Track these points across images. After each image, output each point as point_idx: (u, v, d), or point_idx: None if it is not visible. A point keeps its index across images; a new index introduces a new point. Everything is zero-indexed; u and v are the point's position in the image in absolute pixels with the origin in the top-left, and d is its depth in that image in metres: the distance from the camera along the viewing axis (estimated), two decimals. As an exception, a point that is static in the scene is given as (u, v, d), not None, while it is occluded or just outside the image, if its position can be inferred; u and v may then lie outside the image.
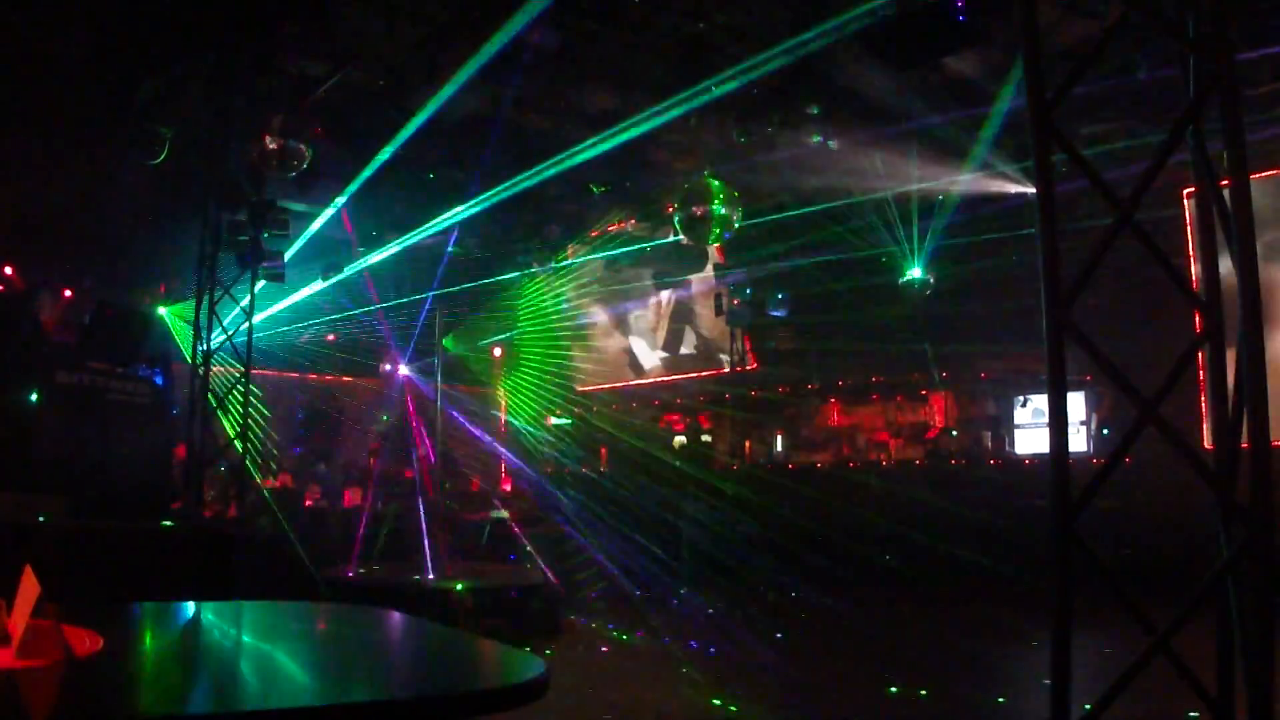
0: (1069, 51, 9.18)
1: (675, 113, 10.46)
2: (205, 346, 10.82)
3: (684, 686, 7.51)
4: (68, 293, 12.59)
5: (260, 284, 11.32)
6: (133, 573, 6.50)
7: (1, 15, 8.91)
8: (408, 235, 13.81)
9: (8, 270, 11.92)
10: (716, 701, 7.04)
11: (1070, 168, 3.77)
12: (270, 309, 14.45)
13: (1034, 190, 3.70)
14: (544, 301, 17.62)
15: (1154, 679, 3.40)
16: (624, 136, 11.00)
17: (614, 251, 15.37)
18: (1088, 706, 3.41)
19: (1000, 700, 7.05)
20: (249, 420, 11.11)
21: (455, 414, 16.41)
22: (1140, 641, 3.45)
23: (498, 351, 19.79)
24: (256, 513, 12.33)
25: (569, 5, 9.09)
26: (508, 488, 18.65)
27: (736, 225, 12.42)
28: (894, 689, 7.34)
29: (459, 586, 9.42)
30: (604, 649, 9.03)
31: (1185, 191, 10.99)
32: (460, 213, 13.00)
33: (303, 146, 9.87)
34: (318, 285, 14.77)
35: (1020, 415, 15.03)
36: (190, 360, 11.20)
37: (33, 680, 2.33)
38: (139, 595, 3.98)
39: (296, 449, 16.22)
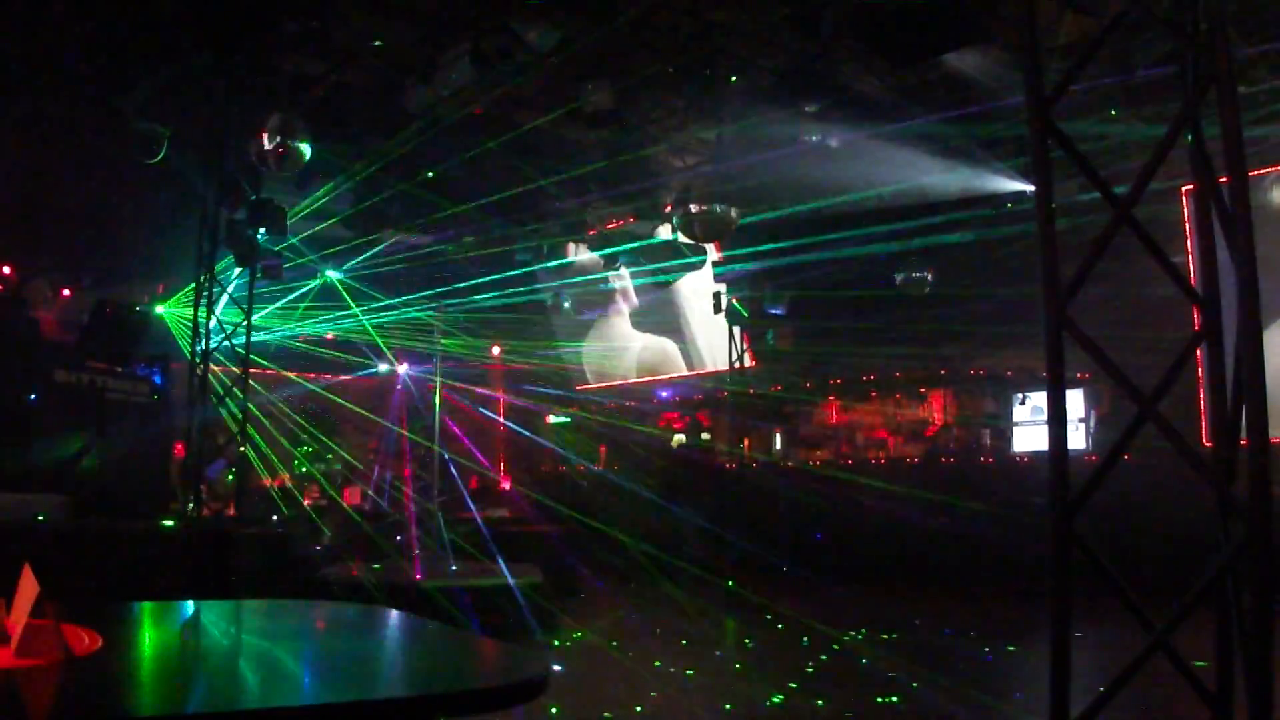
0: (1068, 48, 9.19)
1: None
2: (204, 345, 10.81)
3: (683, 683, 7.51)
4: (66, 292, 12.60)
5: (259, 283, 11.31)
6: (131, 572, 6.51)
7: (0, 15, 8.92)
8: (407, 235, 13.80)
9: (6, 270, 11.92)
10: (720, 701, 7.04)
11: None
12: (269, 308, 14.44)
13: (1032, 187, 3.70)
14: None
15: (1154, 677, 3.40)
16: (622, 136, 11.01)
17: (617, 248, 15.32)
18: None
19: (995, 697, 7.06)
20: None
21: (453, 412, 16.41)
22: (1140, 639, 3.45)
23: (496, 350, 19.79)
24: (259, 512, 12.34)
25: (568, 4, 9.09)
26: (506, 486, 18.65)
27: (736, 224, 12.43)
28: (893, 688, 7.35)
29: (458, 585, 9.42)
30: (602, 645, 9.03)
31: (1183, 188, 10.99)
32: (459, 212, 12.99)
33: (300, 145, 9.86)
34: (317, 285, 14.76)
35: (1019, 413, 15.03)
36: (189, 359, 11.18)
37: (32, 679, 2.33)
38: (138, 594, 3.98)
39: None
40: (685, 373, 18.55)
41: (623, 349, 19.25)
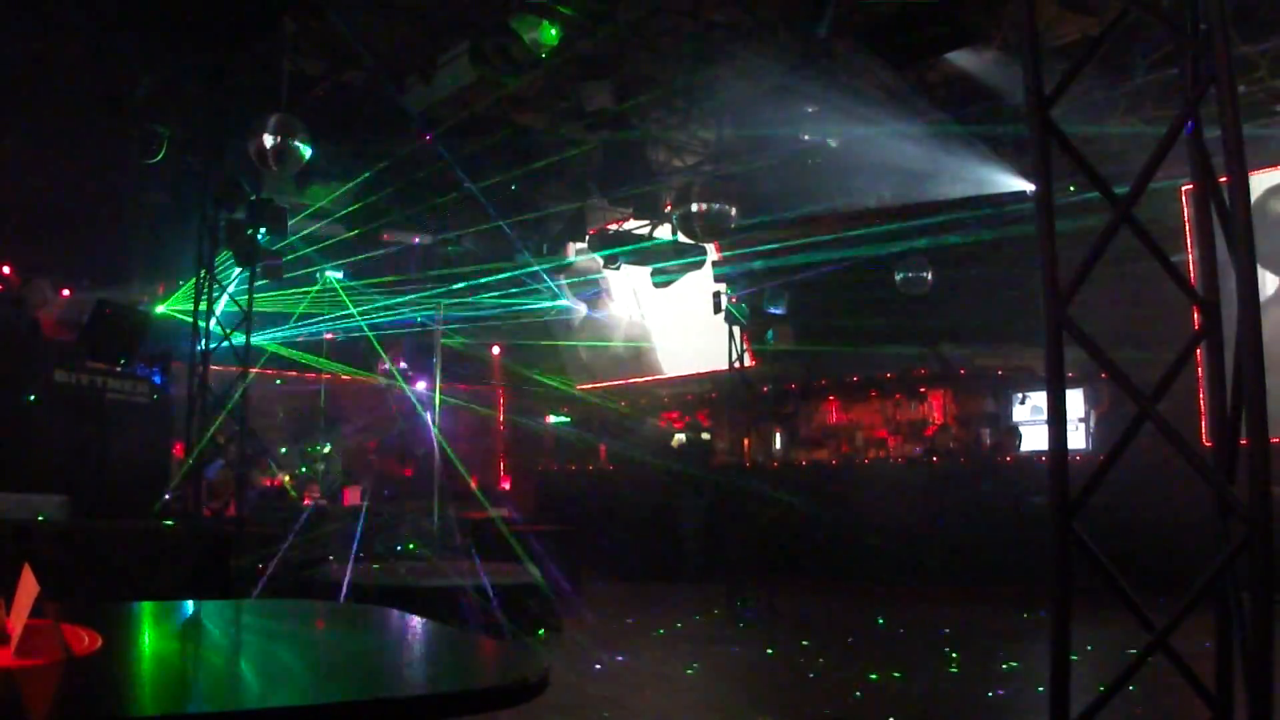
0: (1068, 48, 9.20)
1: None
2: (204, 346, 10.82)
3: (683, 683, 7.51)
4: (66, 292, 12.59)
5: (258, 283, 11.31)
6: (131, 572, 6.50)
7: (0, 14, 8.91)
8: (406, 234, 13.81)
9: (5, 270, 11.93)
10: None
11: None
12: (268, 309, 14.44)
13: (1032, 187, 3.70)
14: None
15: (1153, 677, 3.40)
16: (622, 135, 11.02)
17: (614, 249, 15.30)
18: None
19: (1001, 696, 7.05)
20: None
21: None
22: (1140, 638, 3.45)
23: (496, 350, 19.79)
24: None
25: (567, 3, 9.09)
26: (506, 486, 18.66)
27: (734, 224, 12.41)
28: (892, 686, 7.34)
29: (458, 585, 9.41)
30: (603, 645, 9.03)
31: (1183, 188, 10.99)
32: (459, 212, 12.99)
33: (300, 145, 9.86)
34: (315, 285, 14.75)
35: (1019, 412, 15.03)
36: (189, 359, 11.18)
37: (31, 679, 2.33)
38: (138, 594, 3.98)
39: None
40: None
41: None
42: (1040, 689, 3.48)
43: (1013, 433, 14.32)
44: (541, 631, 9.06)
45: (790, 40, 9.45)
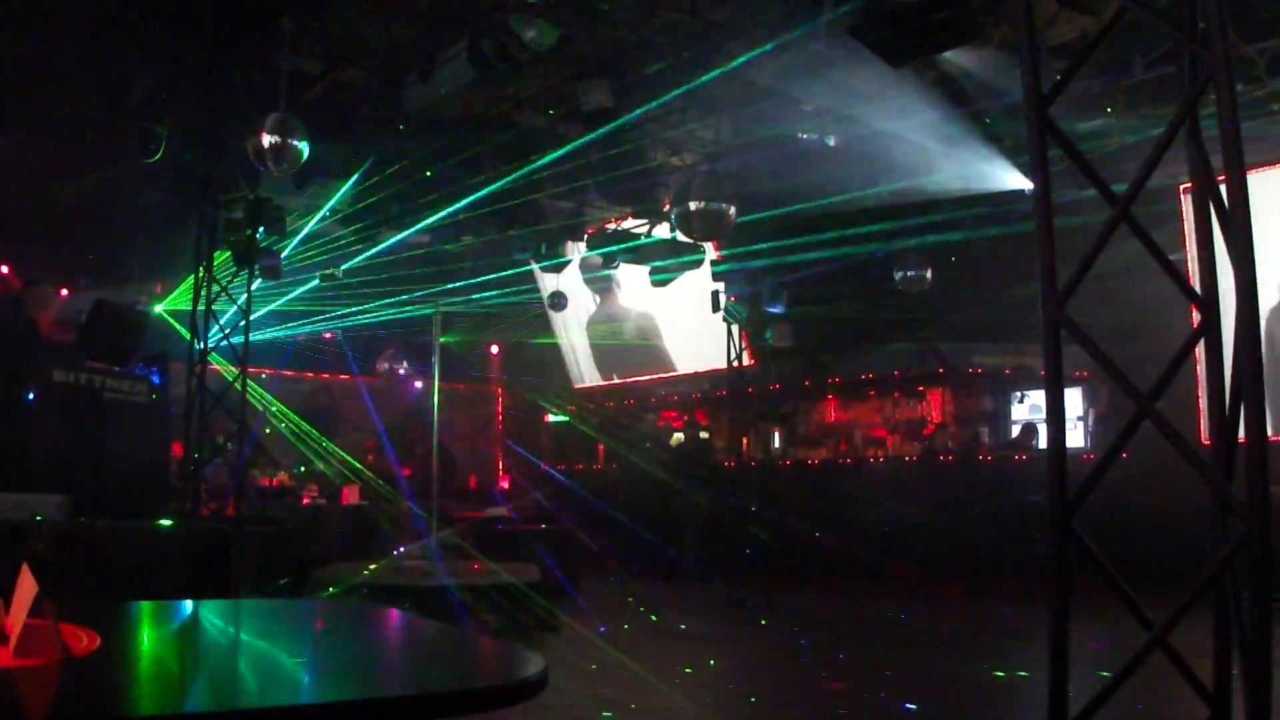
0: (1066, 47, 9.20)
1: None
2: (202, 345, 10.82)
3: (684, 683, 7.51)
4: (64, 291, 12.58)
5: (256, 282, 11.31)
6: (130, 571, 6.50)
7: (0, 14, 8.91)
8: (404, 233, 13.81)
9: (3, 269, 11.92)
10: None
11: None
12: (267, 307, 14.44)
13: (1031, 186, 3.71)
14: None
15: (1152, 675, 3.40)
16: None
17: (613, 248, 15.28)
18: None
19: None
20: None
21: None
22: (1138, 637, 3.45)
23: (494, 348, 19.80)
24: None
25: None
26: (505, 485, 18.67)
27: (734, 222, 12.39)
28: (891, 686, 7.35)
29: (457, 585, 9.42)
30: (603, 645, 9.04)
31: (1182, 187, 10.99)
32: (457, 210, 12.99)
33: (298, 144, 9.85)
34: (314, 284, 14.76)
35: (1017, 411, 15.02)
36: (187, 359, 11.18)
37: (30, 679, 2.32)
38: (137, 594, 3.98)
39: None
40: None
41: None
42: (1038, 685, 3.48)
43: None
44: (554, 641, 9.06)
45: (788, 38, 9.45)
